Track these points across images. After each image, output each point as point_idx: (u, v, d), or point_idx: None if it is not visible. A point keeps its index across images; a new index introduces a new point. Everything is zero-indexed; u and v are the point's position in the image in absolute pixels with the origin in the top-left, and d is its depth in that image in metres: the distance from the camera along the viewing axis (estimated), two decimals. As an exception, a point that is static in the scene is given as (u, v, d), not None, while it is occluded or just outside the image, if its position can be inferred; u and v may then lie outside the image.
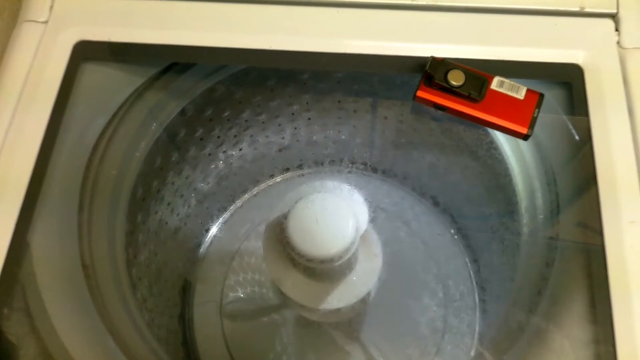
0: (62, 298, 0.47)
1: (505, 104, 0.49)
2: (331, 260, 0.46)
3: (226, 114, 0.72)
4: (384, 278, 0.55)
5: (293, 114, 0.77)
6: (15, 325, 0.45)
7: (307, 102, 0.75)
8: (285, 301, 0.57)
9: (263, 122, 0.77)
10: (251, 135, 0.79)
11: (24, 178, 0.47)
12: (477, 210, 0.77)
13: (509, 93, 0.50)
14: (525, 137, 0.50)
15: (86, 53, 0.53)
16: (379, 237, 0.55)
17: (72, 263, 0.50)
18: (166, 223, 0.73)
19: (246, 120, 0.75)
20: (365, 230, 0.50)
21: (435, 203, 0.85)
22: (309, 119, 0.78)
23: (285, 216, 0.48)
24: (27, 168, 0.47)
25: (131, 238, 0.61)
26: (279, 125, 0.79)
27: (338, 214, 0.47)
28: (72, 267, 0.50)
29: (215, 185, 0.82)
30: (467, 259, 0.81)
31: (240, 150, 0.80)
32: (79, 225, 0.52)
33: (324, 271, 0.51)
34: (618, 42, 0.52)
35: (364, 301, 0.55)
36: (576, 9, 0.53)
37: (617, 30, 0.52)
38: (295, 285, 0.52)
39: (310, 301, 0.53)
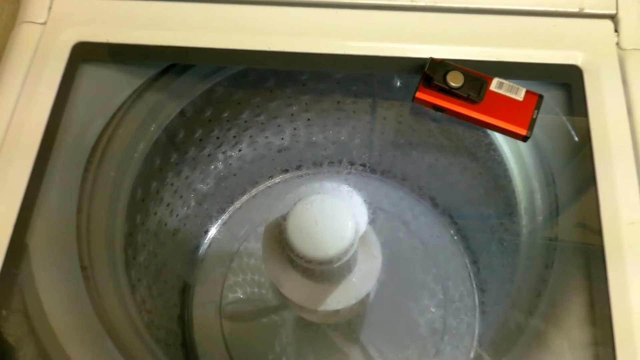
0: (61, 299, 0.47)
1: (505, 105, 0.49)
2: (330, 261, 0.46)
3: (225, 114, 0.72)
4: (383, 279, 0.55)
5: (292, 114, 0.77)
6: (13, 327, 0.45)
7: (306, 103, 0.75)
8: (284, 302, 0.57)
9: (262, 123, 0.77)
10: (250, 136, 0.79)
11: (22, 179, 0.47)
12: (477, 211, 0.77)
13: (508, 94, 0.50)
14: (524, 139, 0.50)
15: (85, 54, 0.53)
16: (378, 238, 0.55)
17: (70, 264, 0.50)
18: (165, 224, 0.73)
19: (245, 121, 0.75)
20: (365, 232, 0.50)
21: (435, 204, 0.85)
22: (308, 119, 0.78)
23: (284, 217, 0.48)
24: (25, 169, 0.47)
25: (130, 239, 0.61)
26: (278, 126, 0.79)
27: (337, 215, 0.47)
28: (70, 269, 0.50)
29: (215, 186, 0.82)
30: (466, 260, 0.81)
31: (240, 151, 0.80)
32: (77, 227, 0.52)
33: (323, 272, 0.51)
34: (617, 43, 0.52)
35: (363, 302, 0.55)
36: (575, 10, 0.53)
37: (616, 31, 0.52)
38: (294, 287, 0.52)
39: (310, 302, 0.53)
